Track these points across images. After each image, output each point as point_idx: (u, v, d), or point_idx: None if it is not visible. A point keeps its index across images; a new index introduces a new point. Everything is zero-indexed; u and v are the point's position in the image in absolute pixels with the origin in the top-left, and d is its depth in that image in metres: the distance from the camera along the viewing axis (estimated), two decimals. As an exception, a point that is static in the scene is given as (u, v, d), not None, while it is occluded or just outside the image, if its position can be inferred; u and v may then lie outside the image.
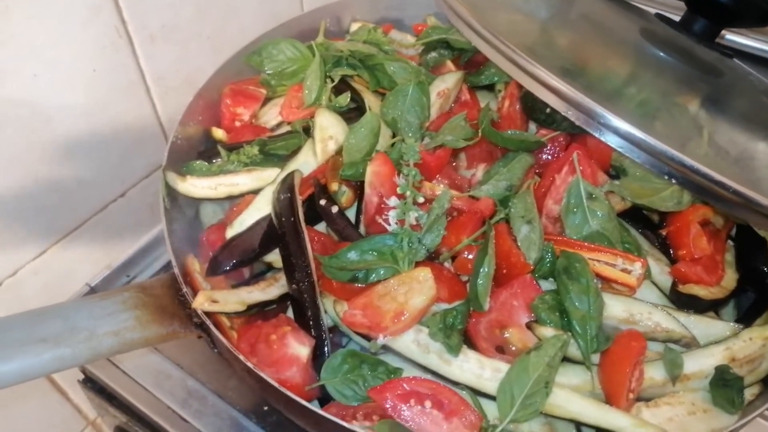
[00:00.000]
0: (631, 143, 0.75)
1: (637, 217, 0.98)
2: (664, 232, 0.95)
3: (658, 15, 1.17)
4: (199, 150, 1.11)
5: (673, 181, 0.75)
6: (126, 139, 1.26)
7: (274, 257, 0.93)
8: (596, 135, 0.76)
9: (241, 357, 0.75)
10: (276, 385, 0.72)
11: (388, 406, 0.75)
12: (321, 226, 0.98)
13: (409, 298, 0.81)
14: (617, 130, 0.74)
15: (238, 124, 1.17)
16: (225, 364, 1.07)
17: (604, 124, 0.75)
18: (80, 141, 1.16)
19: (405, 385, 0.76)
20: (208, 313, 0.82)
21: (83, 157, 1.19)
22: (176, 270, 0.84)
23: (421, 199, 0.88)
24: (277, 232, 0.90)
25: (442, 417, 0.75)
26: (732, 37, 1.37)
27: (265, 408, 1.02)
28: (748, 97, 1.12)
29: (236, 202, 1.02)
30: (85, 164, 1.20)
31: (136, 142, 1.30)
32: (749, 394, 0.83)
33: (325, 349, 0.82)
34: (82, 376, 1.12)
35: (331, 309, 0.84)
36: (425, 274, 0.82)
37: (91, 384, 1.10)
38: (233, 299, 0.83)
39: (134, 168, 1.31)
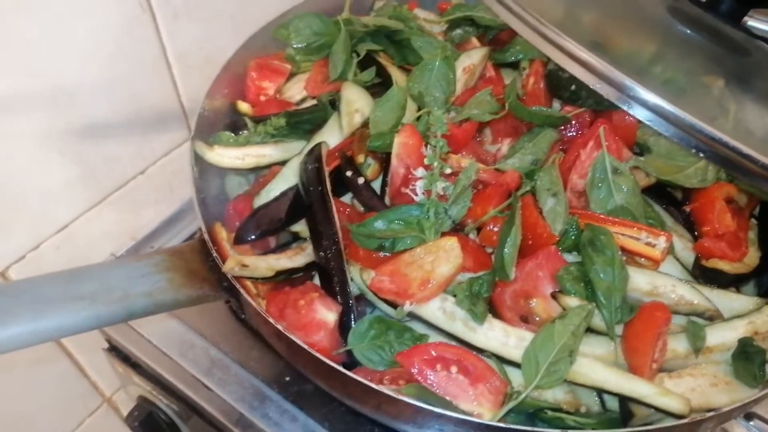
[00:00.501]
0: (660, 116, 0.75)
1: (660, 193, 0.99)
2: (687, 209, 0.96)
3: (684, -7, 1.16)
4: (225, 122, 1.12)
5: (701, 154, 0.75)
6: (147, 116, 1.27)
7: (300, 227, 0.95)
8: (624, 108, 0.76)
9: (271, 320, 0.76)
10: (306, 347, 0.74)
11: (414, 370, 0.76)
12: (346, 199, 0.99)
13: (435, 267, 0.82)
14: (646, 102, 0.75)
15: (263, 98, 1.17)
16: (247, 335, 1.09)
17: (633, 97, 0.76)
18: (103, 117, 1.17)
19: (432, 350, 0.77)
20: (236, 278, 0.84)
21: (105, 133, 1.20)
22: (206, 236, 0.85)
23: (447, 171, 0.89)
24: (304, 202, 0.91)
25: (468, 382, 0.76)
26: (757, 24, 1.37)
27: (287, 378, 1.04)
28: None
29: (262, 173, 1.04)
30: (107, 140, 1.21)
31: (157, 119, 1.30)
32: (770, 368, 0.83)
33: (352, 315, 0.83)
34: (106, 345, 1.14)
35: (358, 277, 0.86)
36: (452, 243, 0.83)
37: (116, 352, 1.12)
38: (262, 265, 0.85)
39: (154, 145, 1.32)
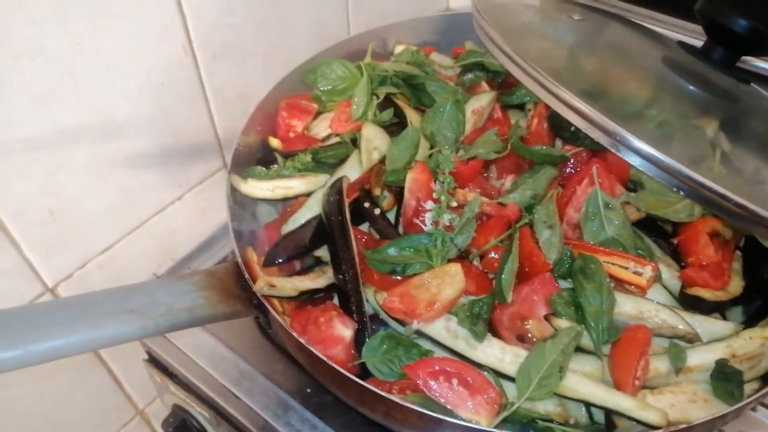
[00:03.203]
0: (645, 159, 0.83)
1: (651, 227, 1.07)
2: (675, 241, 1.04)
3: (679, 43, 1.26)
4: (257, 157, 1.24)
5: (681, 193, 0.84)
6: (185, 147, 1.37)
7: (323, 252, 1.05)
8: (614, 151, 0.86)
9: (295, 334, 0.87)
10: (324, 358, 0.84)
11: (420, 382, 0.86)
12: (364, 227, 1.10)
13: (441, 290, 0.92)
14: (632, 146, 0.83)
15: (292, 135, 1.29)
16: (273, 350, 1.19)
17: (621, 142, 0.84)
18: (146, 148, 1.28)
19: (436, 364, 0.87)
20: (265, 298, 0.95)
21: (147, 162, 1.30)
22: (239, 258, 0.96)
23: (454, 204, 0.99)
24: (326, 230, 1.02)
25: (467, 393, 0.85)
26: (753, 62, 1.45)
27: (308, 390, 1.14)
28: (763, 120, 1.20)
29: (290, 203, 1.15)
30: (148, 169, 1.31)
31: (194, 150, 1.40)
32: (749, 389, 0.91)
33: (366, 332, 0.93)
34: (146, 356, 1.26)
35: (372, 298, 0.96)
36: (456, 269, 0.93)
37: (155, 363, 1.24)
38: (288, 286, 0.96)
39: (190, 174, 1.42)
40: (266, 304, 0.91)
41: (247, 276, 0.95)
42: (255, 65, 1.46)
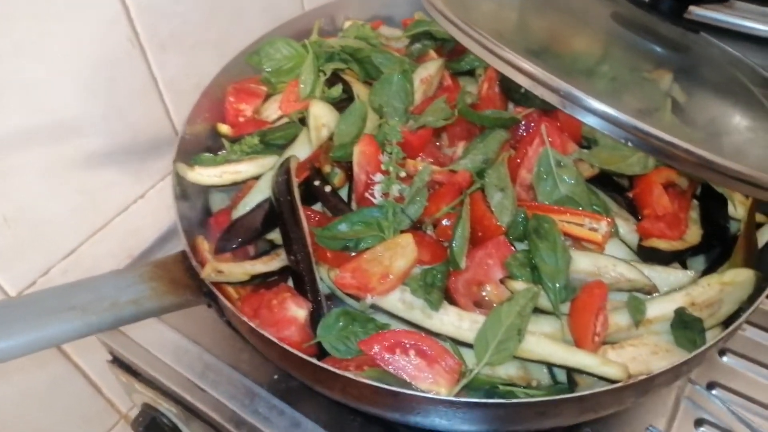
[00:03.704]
0: (593, 114, 0.81)
1: (607, 182, 1.06)
2: (630, 195, 1.03)
3: (628, -2, 1.24)
4: (207, 145, 1.21)
5: (631, 145, 0.82)
6: (143, 142, 1.34)
7: (276, 235, 1.03)
8: (562, 108, 0.84)
9: (245, 318, 0.85)
10: (275, 340, 0.82)
11: (376, 356, 0.84)
12: (318, 207, 1.07)
13: (393, 262, 0.90)
14: (579, 102, 0.81)
15: (241, 119, 1.26)
16: (237, 339, 1.17)
17: (567, 98, 0.82)
18: (102, 147, 1.25)
19: (391, 337, 0.85)
20: (216, 285, 0.92)
21: (105, 161, 1.27)
22: (186, 247, 0.94)
23: (403, 174, 0.97)
24: (276, 211, 1.00)
25: (425, 364, 0.84)
26: (699, 11, 1.44)
27: (275, 377, 1.12)
28: (714, 68, 1.19)
29: (241, 188, 1.12)
30: (107, 168, 1.29)
31: (153, 145, 1.37)
32: (711, 336, 0.90)
33: (322, 312, 0.91)
34: (110, 357, 1.23)
35: (326, 276, 0.94)
36: (407, 239, 0.91)
37: (119, 363, 1.21)
38: (238, 270, 0.93)
39: (152, 170, 1.40)
40: (215, 291, 0.89)
41: (195, 263, 0.92)
42: (207, 54, 1.42)
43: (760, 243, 1.00)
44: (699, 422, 1.06)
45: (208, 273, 0.89)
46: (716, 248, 1.02)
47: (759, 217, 1.02)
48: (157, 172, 1.41)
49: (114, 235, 1.36)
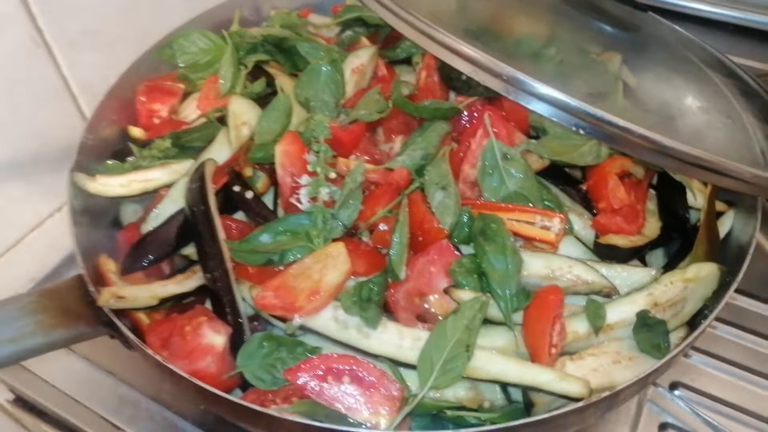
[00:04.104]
0: (540, 100, 0.74)
1: (558, 175, 0.97)
2: (584, 187, 0.94)
3: (577, -22, 1.16)
4: (115, 150, 1.08)
5: (583, 132, 0.74)
6: (56, 151, 1.22)
7: (191, 250, 0.91)
8: (506, 95, 0.75)
9: (149, 351, 0.72)
10: (185, 375, 0.70)
11: (305, 386, 0.73)
12: (241, 217, 0.96)
13: (323, 275, 0.79)
14: (524, 87, 0.73)
15: (156, 121, 1.14)
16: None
17: (511, 83, 0.74)
18: (6, 156, 1.14)
19: (321, 363, 0.74)
20: (122, 311, 0.80)
21: (11, 173, 1.16)
22: (82, 269, 0.81)
23: (333, 175, 0.86)
24: (191, 222, 0.88)
25: (361, 391, 0.73)
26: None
27: (202, 407, 1.00)
28: (665, 48, 1.12)
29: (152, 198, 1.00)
30: (14, 180, 1.17)
31: (66, 155, 1.24)
32: (676, 337, 0.82)
33: (244, 337, 0.80)
34: (12, 396, 1.08)
35: (248, 296, 0.82)
36: (338, 248, 0.80)
37: (22, 403, 1.06)
38: (144, 294, 0.81)
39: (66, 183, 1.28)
40: (115, 320, 0.76)
41: (91, 289, 0.79)
42: (126, 52, 1.28)
43: (722, 233, 0.93)
44: (663, 426, 0.99)
45: (105, 299, 0.76)
46: (676, 241, 0.95)
47: (719, 206, 0.95)
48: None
49: (29, 254, 1.23)
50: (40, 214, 1.25)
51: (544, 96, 0.73)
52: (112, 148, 1.08)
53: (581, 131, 0.74)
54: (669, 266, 0.90)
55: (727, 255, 0.91)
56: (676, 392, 1.02)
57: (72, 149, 1.23)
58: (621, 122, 0.73)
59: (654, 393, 1.01)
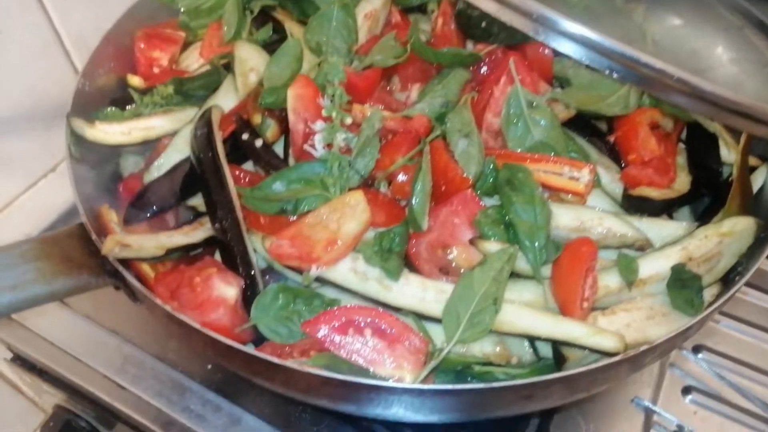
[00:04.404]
0: (573, 41, 0.68)
1: (584, 125, 0.93)
2: (612, 139, 0.90)
3: None
4: (113, 97, 1.02)
5: (616, 75, 0.69)
6: (49, 107, 1.18)
7: (199, 201, 0.86)
8: (535, 36, 0.70)
9: (158, 301, 0.68)
10: (197, 326, 0.65)
11: (324, 339, 0.69)
12: (249, 166, 0.91)
13: (341, 225, 0.74)
14: (556, 27, 0.68)
15: (156, 70, 1.08)
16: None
17: (542, 23, 0.68)
18: None
19: (342, 315, 0.69)
20: (126, 262, 0.75)
21: (3, 130, 1.12)
22: (84, 217, 0.76)
23: (348, 121, 0.81)
24: (197, 171, 0.83)
25: (384, 345, 0.69)
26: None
27: (209, 367, 0.96)
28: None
29: (155, 146, 0.94)
30: (6, 139, 1.13)
31: (61, 111, 1.20)
32: (709, 295, 0.78)
33: (257, 289, 0.75)
34: (10, 355, 1.04)
35: (261, 246, 0.78)
36: (357, 197, 0.75)
37: (21, 362, 1.02)
38: (150, 244, 0.76)
39: (62, 139, 1.22)
40: (121, 269, 0.72)
41: (95, 237, 0.74)
42: (120, 4, 1.22)
43: (754, 188, 0.89)
44: (687, 390, 0.96)
45: (110, 248, 0.71)
46: (704, 198, 0.91)
47: (751, 161, 0.91)
48: (69, 141, 1.25)
49: (23, 215, 1.20)
50: (33, 173, 1.21)
51: (576, 36, 0.68)
52: (110, 96, 1.02)
53: (614, 74, 0.69)
54: (700, 221, 0.87)
55: (760, 211, 0.87)
56: (700, 355, 0.99)
57: (65, 107, 1.20)
58: (659, 64, 0.69)
59: (677, 356, 0.99)
